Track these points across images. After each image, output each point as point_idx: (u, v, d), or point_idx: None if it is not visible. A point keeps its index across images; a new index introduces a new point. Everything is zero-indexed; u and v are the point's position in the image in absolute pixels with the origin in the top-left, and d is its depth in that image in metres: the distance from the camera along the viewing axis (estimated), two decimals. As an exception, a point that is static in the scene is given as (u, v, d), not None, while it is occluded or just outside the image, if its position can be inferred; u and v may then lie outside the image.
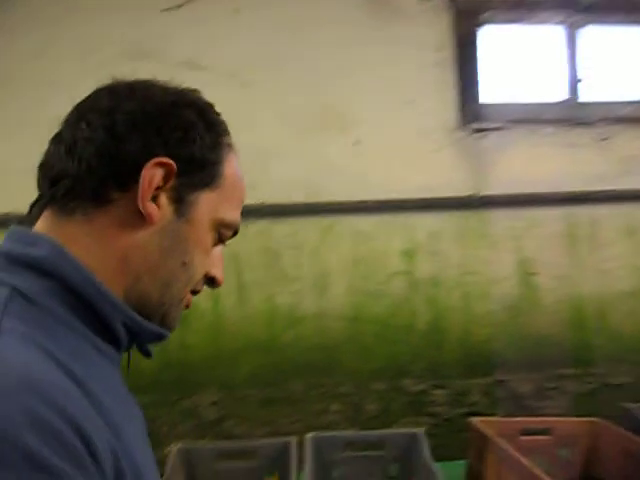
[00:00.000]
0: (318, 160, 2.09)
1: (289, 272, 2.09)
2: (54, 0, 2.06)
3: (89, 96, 0.62)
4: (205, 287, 0.68)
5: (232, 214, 0.65)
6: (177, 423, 2.06)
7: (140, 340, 0.63)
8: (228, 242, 0.69)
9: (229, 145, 0.66)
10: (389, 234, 2.11)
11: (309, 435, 1.58)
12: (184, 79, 0.65)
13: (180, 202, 0.59)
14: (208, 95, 0.66)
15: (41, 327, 0.50)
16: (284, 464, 1.48)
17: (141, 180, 0.55)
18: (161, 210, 0.58)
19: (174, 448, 1.54)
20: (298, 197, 2.08)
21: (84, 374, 0.50)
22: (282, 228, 2.08)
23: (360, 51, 2.12)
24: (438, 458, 1.90)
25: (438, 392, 2.12)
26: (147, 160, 0.56)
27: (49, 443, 0.40)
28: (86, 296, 0.54)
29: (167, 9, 2.07)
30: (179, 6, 2.07)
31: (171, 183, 0.58)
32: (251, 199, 2.01)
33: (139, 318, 0.59)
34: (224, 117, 0.67)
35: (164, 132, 0.58)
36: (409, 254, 2.12)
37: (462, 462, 1.60)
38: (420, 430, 1.58)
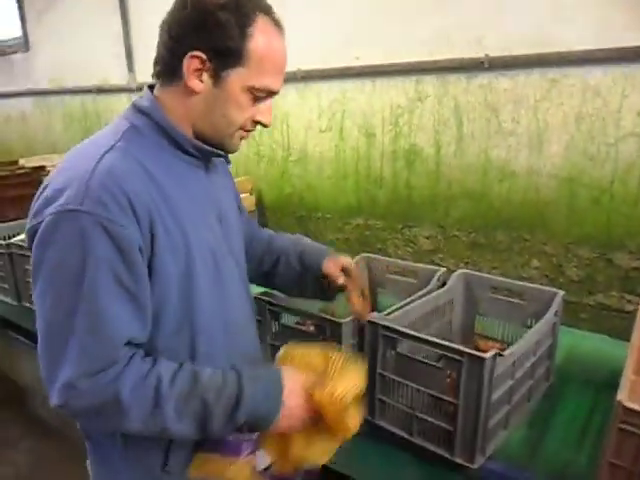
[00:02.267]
0: (551, 5, 1.91)
1: (506, 126, 2.10)
2: None
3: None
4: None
5: (261, 80, 0.90)
6: (400, 247, 2.51)
7: (208, 155, 0.98)
8: (274, 97, 0.97)
9: (259, 30, 0.87)
10: (628, 89, 1.82)
11: (460, 271, 1.80)
12: None
13: (216, 77, 0.89)
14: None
15: (140, 146, 0.90)
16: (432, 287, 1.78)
17: (183, 67, 0.88)
18: (204, 83, 0.89)
19: (360, 256, 2.02)
20: (524, 49, 1.99)
21: (158, 171, 0.88)
22: (504, 81, 2.07)
23: None
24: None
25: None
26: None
27: (105, 196, 0.80)
28: (168, 131, 0.92)
29: None
30: None
31: (208, 66, 0.87)
32: (475, 53, 2.11)
33: (199, 143, 0.94)
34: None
35: (200, 32, 0.86)
36: (649, 114, 1.81)
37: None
38: (560, 292, 1.59)
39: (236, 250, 1.07)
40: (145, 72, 3.43)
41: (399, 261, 1.97)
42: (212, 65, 0.88)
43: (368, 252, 2.29)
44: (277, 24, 0.92)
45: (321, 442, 0.96)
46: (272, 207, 2.98)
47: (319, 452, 0.97)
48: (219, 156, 1.01)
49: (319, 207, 2.75)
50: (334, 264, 1.26)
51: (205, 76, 0.89)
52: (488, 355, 1.17)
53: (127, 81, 3.50)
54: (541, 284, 2.11)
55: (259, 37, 0.87)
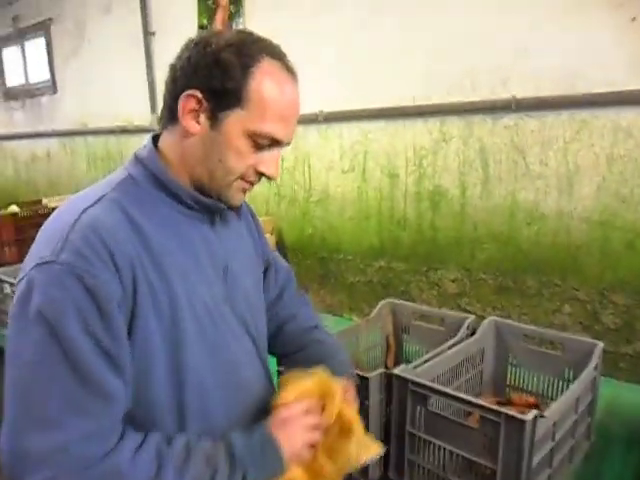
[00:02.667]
0: (580, 46, 1.88)
1: (534, 169, 2.05)
2: None
3: None
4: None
5: (262, 126, 0.83)
6: (424, 290, 2.44)
7: (210, 208, 0.91)
8: (285, 148, 0.89)
9: (262, 71, 0.82)
10: (661, 131, 1.78)
11: (490, 318, 1.72)
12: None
13: (213, 119, 0.82)
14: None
15: (132, 197, 0.84)
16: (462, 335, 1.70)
17: (179, 107, 0.83)
18: (201, 125, 0.83)
19: (385, 301, 1.95)
20: (552, 90, 1.96)
21: (148, 224, 0.82)
22: (531, 123, 2.03)
23: None
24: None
25: None
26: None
27: (84, 248, 0.75)
28: (165, 182, 0.86)
29: None
30: None
31: (205, 106, 0.82)
32: (501, 93, 2.08)
33: (197, 195, 0.87)
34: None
35: (199, 71, 0.82)
36: (685, 155, 1.74)
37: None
38: (600, 343, 1.50)
39: (241, 310, 0.97)
40: (168, 113, 3.48)
41: (425, 307, 1.90)
42: (209, 106, 0.82)
43: (391, 295, 2.24)
44: (289, 70, 0.86)
45: (338, 443, 0.92)
46: (293, 248, 2.94)
47: (346, 453, 0.92)
48: (220, 209, 0.93)
49: (341, 248, 2.70)
50: None
51: (202, 117, 0.83)
52: (528, 417, 1.09)
53: (150, 122, 3.54)
54: (575, 331, 2.02)
55: (262, 78, 0.81)
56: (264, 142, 0.84)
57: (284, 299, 1.21)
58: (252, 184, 0.90)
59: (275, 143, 0.86)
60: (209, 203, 0.89)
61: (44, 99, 4.65)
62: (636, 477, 1.34)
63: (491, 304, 2.24)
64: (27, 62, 4.88)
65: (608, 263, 1.93)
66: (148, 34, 3.40)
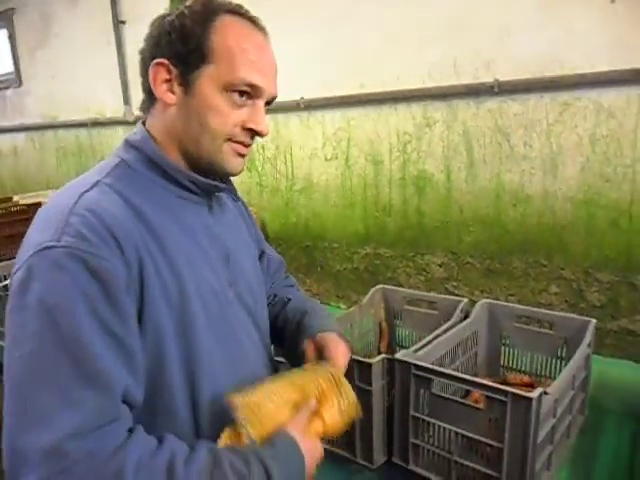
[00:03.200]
0: (562, 29, 1.90)
1: (518, 151, 2.07)
2: None
3: None
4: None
5: (235, 74, 0.80)
6: (412, 275, 2.45)
7: (206, 189, 0.89)
8: (267, 100, 0.85)
9: (223, 24, 0.81)
10: (642, 110, 1.81)
11: (482, 301, 1.73)
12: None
13: (185, 84, 0.81)
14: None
15: (128, 182, 0.82)
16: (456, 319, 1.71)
17: (150, 79, 0.82)
18: (176, 94, 0.82)
19: (377, 287, 1.95)
20: (535, 72, 1.97)
21: (147, 207, 0.80)
22: (514, 106, 2.04)
23: None
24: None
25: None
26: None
27: (86, 231, 0.71)
28: (161, 164, 0.84)
29: None
30: None
31: (175, 73, 0.81)
32: (484, 77, 2.08)
33: (194, 175, 0.85)
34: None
35: (161, 42, 0.81)
36: (666, 134, 1.78)
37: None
38: (593, 320, 1.53)
39: (245, 294, 0.95)
40: (141, 104, 3.39)
41: (417, 292, 1.90)
42: (178, 71, 0.81)
43: (378, 282, 2.24)
44: (251, 21, 0.84)
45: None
46: (276, 237, 2.91)
47: None
48: (218, 189, 0.91)
49: (326, 236, 2.69)
50: (314, 344, 1.04)
51: (175, 86, 0.82)
52: (534, 394, 1.10)
53: (123, 114, 3.45)
54: (561, 310, 2.06)
55: (224, 29, 0.81)
56: (243, 88, 0.81)
57: (270, 288, 1.18)
58: (245, 145, 0.86)
59: (255, 93, 0.83)
60: (206, 183, 0.87)
61: (8, 92, 4.48)
62: (632, 448, 1.38)
63: (479, 287, 2.26)
64: (-12, 54, 4.69)
65: (593, 241, 1.97)
66: (118, 23, 3.29)
